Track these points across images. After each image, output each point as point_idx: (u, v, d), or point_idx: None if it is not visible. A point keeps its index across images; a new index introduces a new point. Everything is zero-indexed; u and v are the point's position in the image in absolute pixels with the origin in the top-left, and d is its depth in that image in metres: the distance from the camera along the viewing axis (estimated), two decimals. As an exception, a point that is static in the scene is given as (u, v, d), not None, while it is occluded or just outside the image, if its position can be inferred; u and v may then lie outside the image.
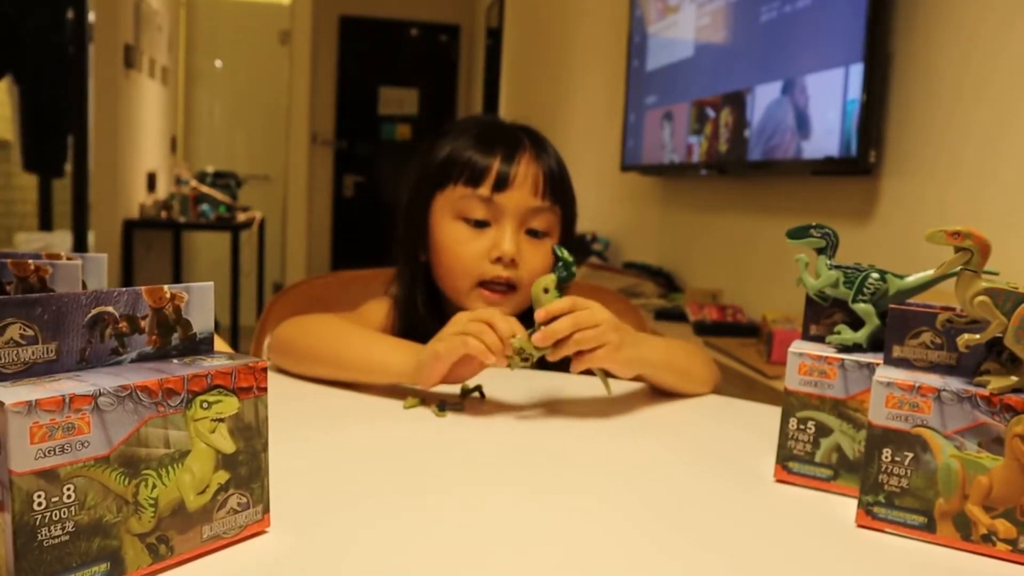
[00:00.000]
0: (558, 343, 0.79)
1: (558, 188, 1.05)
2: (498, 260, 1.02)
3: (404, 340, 0.92)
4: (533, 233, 1.04)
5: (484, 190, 1.02)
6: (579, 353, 0.80)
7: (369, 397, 0.86)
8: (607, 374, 0.86)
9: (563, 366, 0.84)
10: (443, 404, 0.82)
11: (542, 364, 0.86)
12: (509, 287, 1.03)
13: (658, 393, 0.93)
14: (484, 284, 1.03)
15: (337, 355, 0.92)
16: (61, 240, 3.63)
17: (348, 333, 0.96)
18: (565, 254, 0.83)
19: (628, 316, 1.26)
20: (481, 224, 1.03)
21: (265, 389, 0.49)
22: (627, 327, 0.86)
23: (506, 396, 0.88)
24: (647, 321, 1.50)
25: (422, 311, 1.08)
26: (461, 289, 1.05)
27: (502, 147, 1.03)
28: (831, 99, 1.80)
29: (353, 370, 0.90)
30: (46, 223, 3.91)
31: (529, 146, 1.05)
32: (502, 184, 1.02)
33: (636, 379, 0.94)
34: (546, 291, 0.81)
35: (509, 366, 0.80)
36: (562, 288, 0.82)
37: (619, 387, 0.95)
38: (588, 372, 0.85)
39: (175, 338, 0.49)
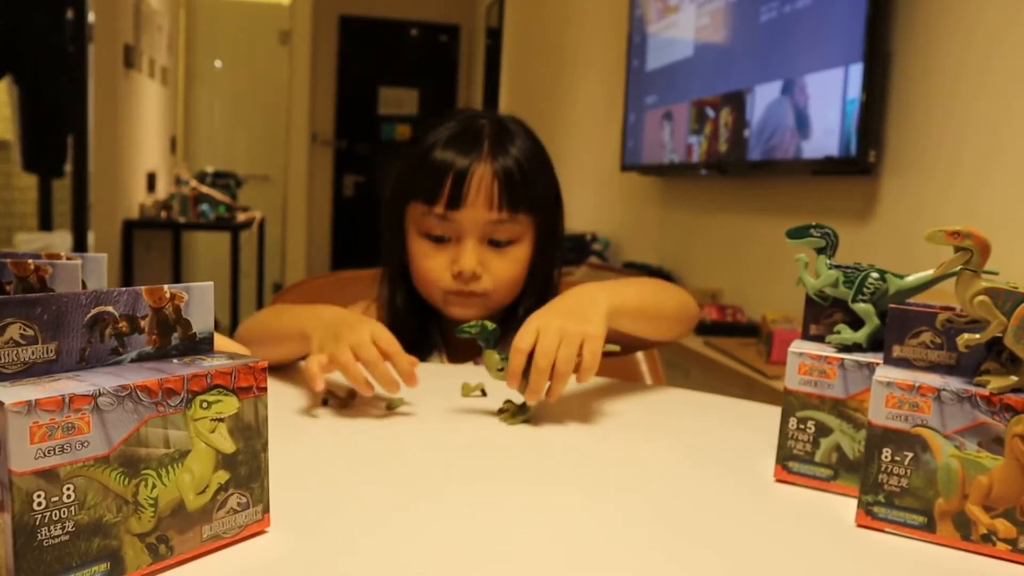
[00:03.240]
0: (551, 388, 0.78)
1: (520, 194, 1.01)
2: (459, 275, 1.02)
3: (323, 309, 0.90)
4: (498, 243, 1.03)
5: (439, 208, 1.01)
6: (576, 369, 0.78)
7: (369, 398, 0.86)
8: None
9: None
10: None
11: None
12: (478, 294, 1.03)
13: (657, 393, 0.93)
14: (453, 293, 1.04)
15: (272, 332, 0.93)
16: (61, 240, 3.63)
17: (285, 310, 0.97)
18: (469, 328, 0.79)
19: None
20: (443, 239, 1.02)
21: (265, 389, 0.49)
22: (574, 293, 0.85)
23: (508, 396, 0.88)
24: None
25: (402, 310, 1.09)
26: (433, 298, 1.06)
27: (459, 158, 1.01)
28: (831, 99, 1.80)
29: (282, 342, 0.91)
30: (46, 223, 3.92)
31: (488, 152, 1.01)
32: (455, 203, 1.00)
33: (616, 339, 0.93)
34: (500, 369, 0.79)
35: (510, 423, 0.79)
36: (500, 346, 0.80)
37: (618, 387, 0.95)
38: None
39: (175, 338, 0.49)
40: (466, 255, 1.01)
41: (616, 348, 0.84)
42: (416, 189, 1.03)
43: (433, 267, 1.03)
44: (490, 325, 0.79)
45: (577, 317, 0.80)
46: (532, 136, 1.08)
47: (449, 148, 1.02)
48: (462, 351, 1.10)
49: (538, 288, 1.08)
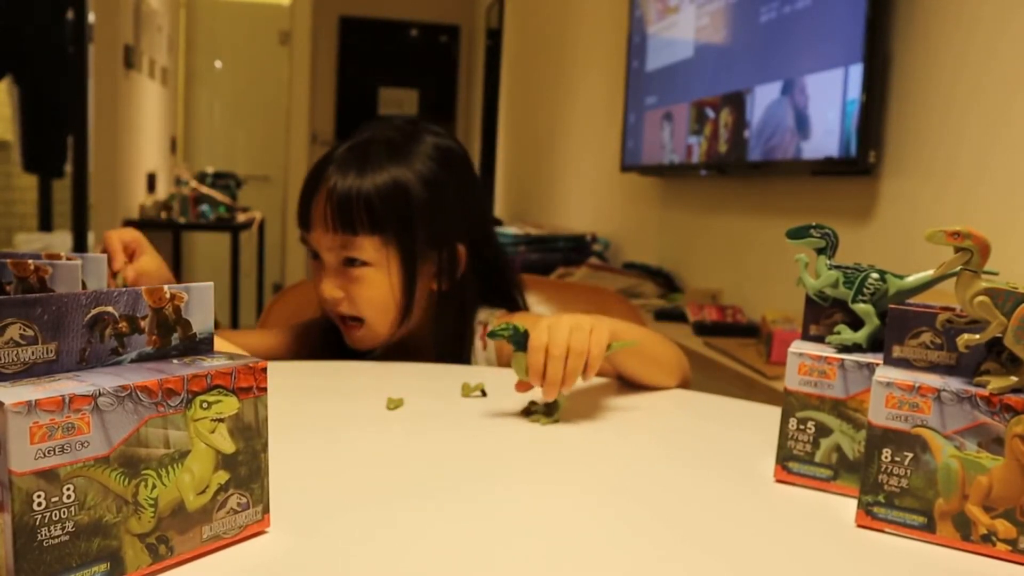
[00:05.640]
0: (565, 379, 0.78)
1: (359, 216, 0.98)
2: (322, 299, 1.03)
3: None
4: (361, 263, 1.01)
5: (302, 230, 1.03)
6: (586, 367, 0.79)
7: (369, 398, 0.86)
8: None
9: None
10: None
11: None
12: (354, 320, 1.04)
13: (657, 393, 0.93)
14: (340, 322, 1.05)
15: None
16: (61, 240, 3.62)
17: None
18: (504, 332, 0.80)
19: (627, 316, 1.26)
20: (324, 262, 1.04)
21: (265, 389, 0.49)
22: (581, 315, 0.86)
23: (507, 396, 0.88)
24: (647, 322, 1.49)
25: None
26: (330, 317, 1.07)
27: (312, 180, 1.02)
28: (831, 99, 1.80)
29: None
30: (46, 224, 3.91)
31: (334, 172, 1.00)
32: (304, 224, 1.02)
33: (607, 373, 0.94)
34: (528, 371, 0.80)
35: (542, 424, 0.79)
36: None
37: (618, 387, 0.95)
38: None
39: (175, 338, 0.49)
40: (323, 279, 1.02)
41: (634, 343, 0.85)
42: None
43: (317, 288, 1.05)
44: (521, 327, 0.80)
45: (584, 319, 0.82)
46: (436, 155, 1.04)
47: (316, 167, 1.03)
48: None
49: (428, 312, 1.07)
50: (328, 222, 0.99)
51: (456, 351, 1.08)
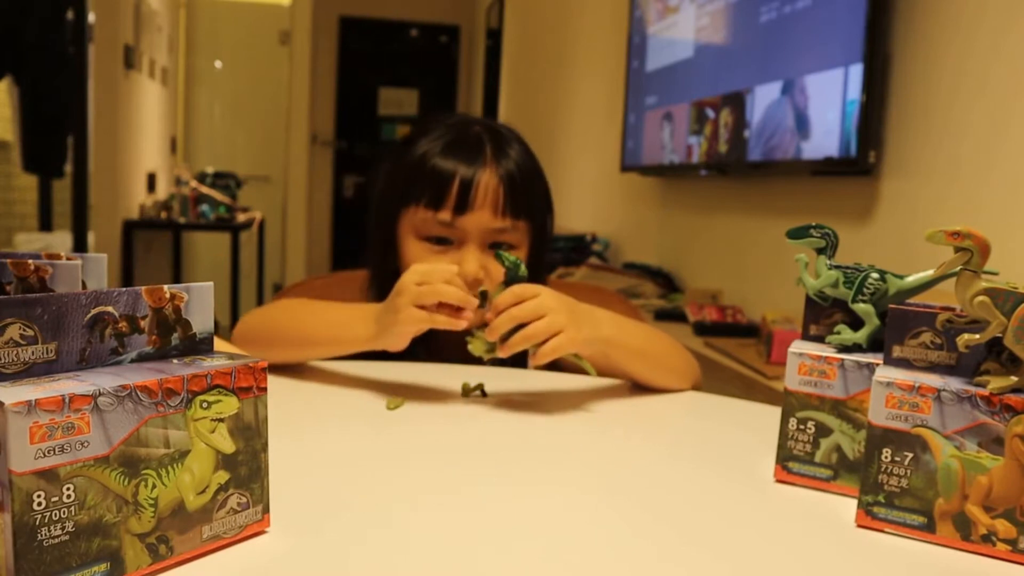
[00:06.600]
0: (510, 339, 0.81)
1: (522, 199, 1.02)
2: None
3: (364, 305, 0.93)
4: (499, 246, 1.03)
5: (445, 214, 1.00)
6: (538, 347, 0.81)
7: (369, 397, 0.86)
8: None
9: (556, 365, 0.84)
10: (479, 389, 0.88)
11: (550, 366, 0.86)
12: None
13: (655, 393, 0.93)
14: None
15: (300, 333, 0.94)
16: (61, 241, 3.63)
17: (310, 309, 0.97)
18: (508, 259, 0.82)
19: (628, 316, 1.26)
20: (444, 242, 1.02)
21: (265, 389, 0.49)
22: (587, 307, 0.87)
23: (507, 396, 0.88)
24: (647, 322, 1.49)
25: None
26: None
27: (463, 164, 1.01)
28: (831, 99, 1.80)
29: (317, 345, 0.93)
30: (46, 224, 3.91)
31: (491, 156, 1.02)
32: (462, 208, 1.00)
33: (609, 374, 0.94)
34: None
35: (472, 351, 0.83)
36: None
37: (618, 387, 0.95)
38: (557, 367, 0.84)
39: (175, 338, 0.49)
40: (468, 261, 1.00)
41: (591, 370, 0.86)
42: (417, 194, 1.02)
43: (434, 267, 1.03)
44: (524, 271, 0.83)
45: (572, 317, 0.83)
46: (524, 142, 1.08)
47: (451, 154, 1.02)
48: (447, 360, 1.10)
49: None
50: (499, 206, 1.01)
51: None
